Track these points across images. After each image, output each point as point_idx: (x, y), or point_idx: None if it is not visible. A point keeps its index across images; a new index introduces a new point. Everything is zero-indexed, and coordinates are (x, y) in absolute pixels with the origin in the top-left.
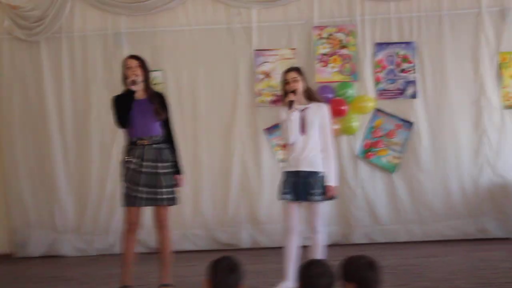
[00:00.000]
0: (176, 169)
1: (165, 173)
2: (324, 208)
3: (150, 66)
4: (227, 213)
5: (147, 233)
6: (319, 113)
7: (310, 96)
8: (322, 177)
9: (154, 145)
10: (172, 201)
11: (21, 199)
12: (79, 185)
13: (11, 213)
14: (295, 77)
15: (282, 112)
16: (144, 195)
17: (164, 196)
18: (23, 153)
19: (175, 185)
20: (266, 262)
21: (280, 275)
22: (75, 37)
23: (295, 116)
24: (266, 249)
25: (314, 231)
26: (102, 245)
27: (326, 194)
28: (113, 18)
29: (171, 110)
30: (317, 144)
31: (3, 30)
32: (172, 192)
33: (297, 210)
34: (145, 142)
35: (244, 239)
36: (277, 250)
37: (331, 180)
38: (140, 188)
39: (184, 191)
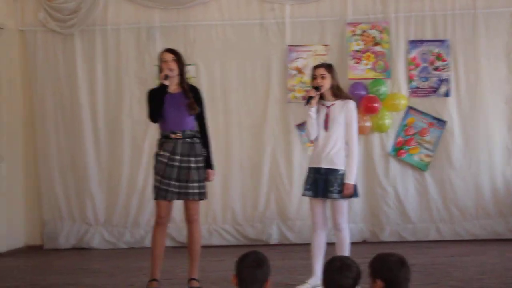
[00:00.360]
0: (208, 164)
1: (197, 168)
2: (346, 206)
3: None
4: (257, 209)
5: (176, 228)
6: (345, 110)
7: (337, 93)
8: (342, 174)
9: (187, 139)
10: (203, 195)
11: (53, 191)
12: (110, 178)
13: (43, 205)
14: (323, 74)
15: (310, 108)
16: (176, 189)
17: (196, 191)
18: (56, 146)
19: (206, 179)
20: (294, 258)
21: (308, 271)
22: (109, 30)
23: (313, 112)
24: (295, 245)
25: (337, 228)
26: (132, 238)
27: (343, 191)
28: (147, 11)
29: (205, 105)
30: (340, 141)
31: (38, 22)
32: (204, 187)
33: (322, 207)
34: (178, 136)
35: (273, 235)
36: (306, 247)
37: (350, 178)
38: (172, 182)
39: (215, 186)
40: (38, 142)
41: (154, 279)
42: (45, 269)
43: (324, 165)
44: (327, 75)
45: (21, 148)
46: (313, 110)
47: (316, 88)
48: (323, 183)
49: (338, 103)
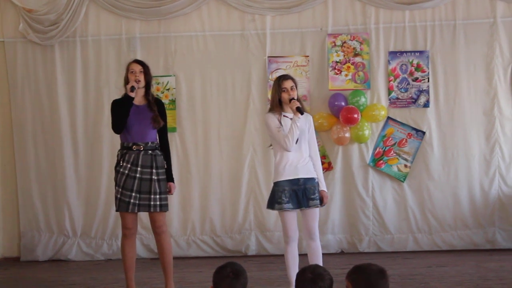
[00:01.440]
0: (169, 177)
1: (159, 180)
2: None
3: (164, 71)
4: (236, 220)
5: (152, 238)
6: (308, 123)
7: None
8: (317, 182)
9: (149, 151)
10: (164, 207)
11: (31, 202)
12: (88, 190)
13: (20, 216)
14: (292, 85)
15: (273, 119)
16: (137, 201)
17: (157, 203)
18: (34, 157)
19: (168, 192)
20: (273, 269)
21: (286, 283)
22: (89, 41)
23: (300, 122)
24: (273, 256)
25: (312, 237)
26: (110, 250)
27: (321, 199)
28: (128, 22)
29: (182, 116)
30: (307, 151)
31: (18, 33)
32: (165, 199)
33: (295, 219)
34: (141, 147)
35: (252, 246)
36: (284, 258)
37: (324, 186)
38: (134, 194)
39: (193, 197)
40: (16, 153)
41: None
42: (22, 281)
43: (302, 175)
44: (295, 87)
45: None
46: (300, 120)
47: (293, 100)
48: (302, 193)
49: (301, 116)
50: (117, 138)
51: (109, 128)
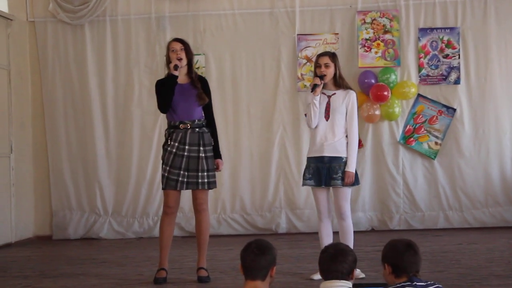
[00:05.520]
0: (216, 154)
1: (206, 157)
2: (350, 193)
3: (193, 50)
4: (266, 198)
5: (184, 217)
6: (347, 100)
7: (339, 82)
8: (345, 162)
9: (196, 129)
10: (212, 184)
11: (62, 182)
12: (119, 169)
13: (52, 196)
14: (327, 62)
15: (308, 96)
16: (185, 179)
17: (205, 180)
18: (65, 136)
19: (215, 169)
20: (302, 247)
21: (316, 260)
22: (119, 21)
23: (317, 100)
24: (303, 234)
25: (342, 216)
26: (141, 228)
27: (344, 180)
28: (157, 1)
29: (212, 95)
30: (341, 130)
31: (48, 13)
32: (213, 176)
33: (326, 196)
34: (188, 126)
35: (282, 224)
36: (314, 235)
37: (350, 167)
38: (182, 172)
39: (224, 175)
40: (48, 133)
41: (163, 268)
42: (54, 259)
43: (327, 153)
44: (331, 64)
45: (30, 138)
46: (317, 98)
47: (321, 77)
48: (326, 171)
49: (340, 92)
50: (147, 118)
51: (139, 107)
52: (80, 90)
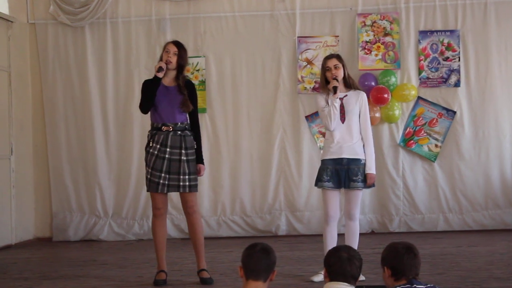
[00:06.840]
0: (198, 158)
1: (188, 160)
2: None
3: (193, 52)
4: (266, 200)
5: (183, 219)
6: (359, 101)
7: (349, 83)
8: (364, 164)
9: (178, 132)
10: (194, 188)
11: (63, 184)
12: (119, 170)
13: (52, 197)
14: (336, 64)
15: (320, 99)
16: (166, 181)
17: (187, 183)
18: (66, 138)
19: (197, 172)
20: (303, 249)
21: (316, 262)
22: (120, 23)
23: (338, 102)
24: (303, 236)
25: (351, 218)
26: (141, 229)
27: (366, 181)
28: (157, 4)
29: (212, 97)
30: (358, 131)
31: (48, 15)
32: (195, 179)
33: (338, 199)
34: (170, 128)
35: (282, 226)
36: (314, 238)
37: (371, 168)
38: (163, 175)
39: (224, 177)
40: (48, 134)
41: (162, 271)
42: (54, 261)
43: (346, 155)
44: (340, 65)
45: (31, 140)
46: (338, 101)
47: (336, 79)
48: (345, 173)
49: (351, 94)
50: (147, 119)
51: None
52: (81, 92)
